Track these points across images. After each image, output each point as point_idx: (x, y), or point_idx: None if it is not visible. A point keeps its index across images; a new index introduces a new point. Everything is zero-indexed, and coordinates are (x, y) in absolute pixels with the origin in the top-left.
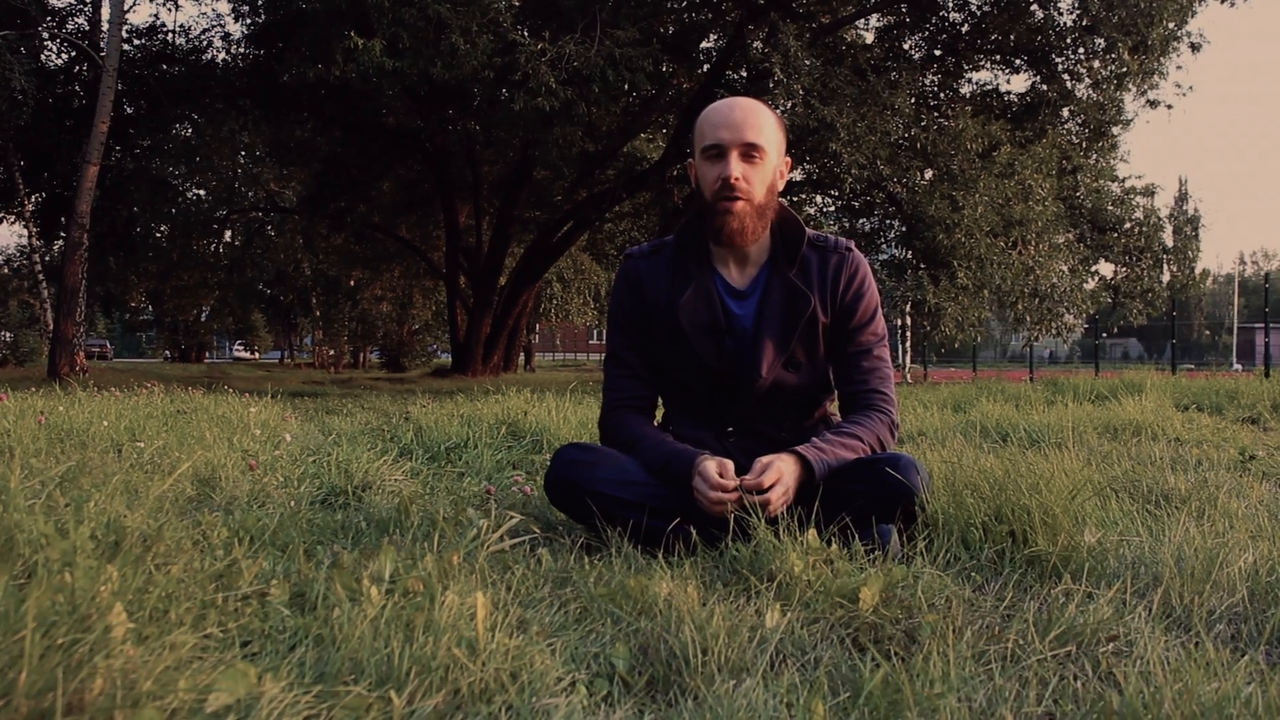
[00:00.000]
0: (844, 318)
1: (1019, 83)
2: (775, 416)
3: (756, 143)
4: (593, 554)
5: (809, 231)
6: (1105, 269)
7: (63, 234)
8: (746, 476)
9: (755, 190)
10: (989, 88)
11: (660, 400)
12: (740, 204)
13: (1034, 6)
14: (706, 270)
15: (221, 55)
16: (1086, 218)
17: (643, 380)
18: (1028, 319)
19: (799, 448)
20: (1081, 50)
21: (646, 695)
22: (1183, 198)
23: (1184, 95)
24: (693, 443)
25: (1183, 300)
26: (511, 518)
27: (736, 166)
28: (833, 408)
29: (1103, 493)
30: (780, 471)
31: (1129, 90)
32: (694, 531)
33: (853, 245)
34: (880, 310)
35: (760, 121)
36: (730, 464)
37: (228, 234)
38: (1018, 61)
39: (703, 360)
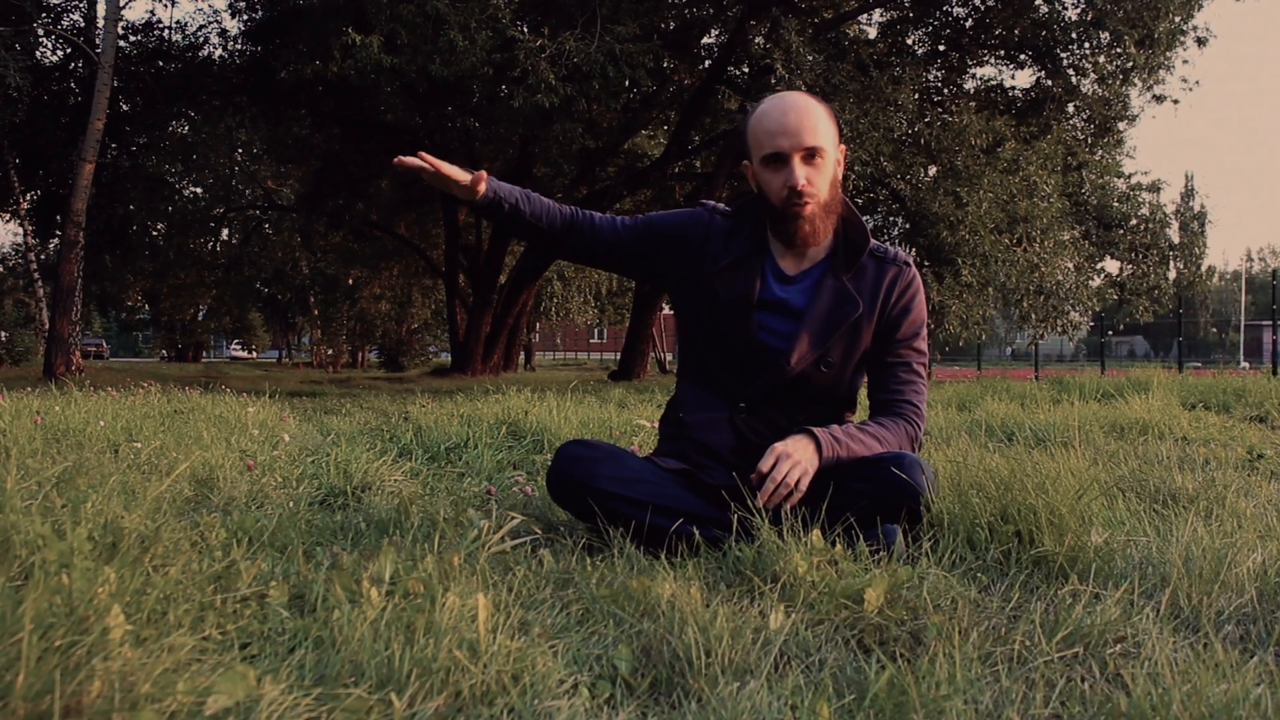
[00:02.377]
0: (889, 329)
1: (1024, 78)
2: (789, 408)
3: (816, 145)
4: (595, 555)
5: (872, 241)
6: (1111, 266)
7: (58, 232)
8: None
9: (821, 190)
10: (993, 83)
11: (676, 375)
12: (810, 208)
13: (1038, 1)
14: (760, 249)
15: (218, 52)
16: (1092, 214)
17: (607, 233)
18: (1033, 316)
19: (814, 428)
20: (1087, 45)
21: (649, 698)
22: (1189, 194)
23: (1190, 90)
24: (701, 424)
25: (1189, 297)
26: (512, 518)
27: (801, 172)
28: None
29: (1109, 492)
30: (779, 451)
31: (1135, 85)
32: (697, 531)
33: (910, 261)
34: (925, 331)
35: (815, 121)
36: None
37: (225, 232)
38: (1022, 56)
39: (726, 328)
